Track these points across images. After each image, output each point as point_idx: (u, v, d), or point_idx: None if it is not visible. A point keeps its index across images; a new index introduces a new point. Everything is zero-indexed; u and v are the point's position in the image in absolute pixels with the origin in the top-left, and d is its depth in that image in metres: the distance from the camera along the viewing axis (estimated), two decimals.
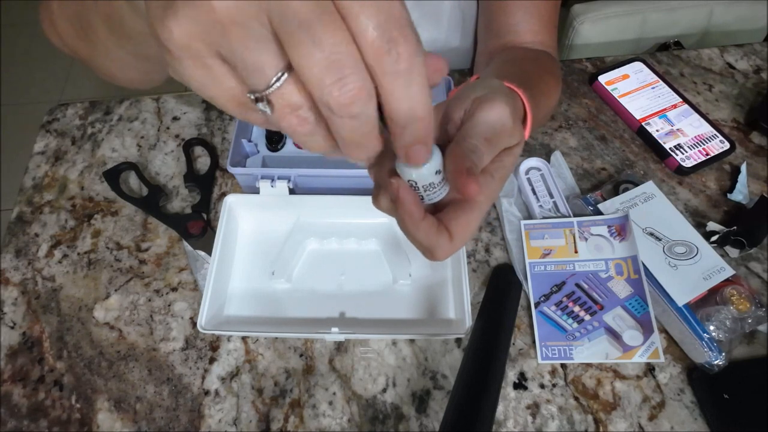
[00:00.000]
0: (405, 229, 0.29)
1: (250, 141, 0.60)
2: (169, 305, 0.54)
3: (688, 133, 0.64)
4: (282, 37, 0.19)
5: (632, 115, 0.66)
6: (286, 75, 0.21)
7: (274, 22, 0.19)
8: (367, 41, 0.19)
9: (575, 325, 0.51)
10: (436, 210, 0.30)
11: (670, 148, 0.63)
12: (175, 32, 0.20)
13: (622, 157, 0.64)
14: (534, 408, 0.48)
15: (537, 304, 0.53)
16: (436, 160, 0.28)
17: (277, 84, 0.21)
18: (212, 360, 0.51)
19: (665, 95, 0.68)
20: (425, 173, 0.28)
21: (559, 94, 0.56)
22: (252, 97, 0.22)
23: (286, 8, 0.19)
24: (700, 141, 0.63)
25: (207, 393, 0.49)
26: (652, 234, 0.55)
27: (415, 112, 0.22)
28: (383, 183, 0.29)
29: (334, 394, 0.49)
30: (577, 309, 0.52)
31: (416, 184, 0.28)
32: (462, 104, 0.31)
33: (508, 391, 0.49)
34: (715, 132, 0.64)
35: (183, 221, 0.58)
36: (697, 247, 0.54)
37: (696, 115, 0.66)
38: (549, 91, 0.51)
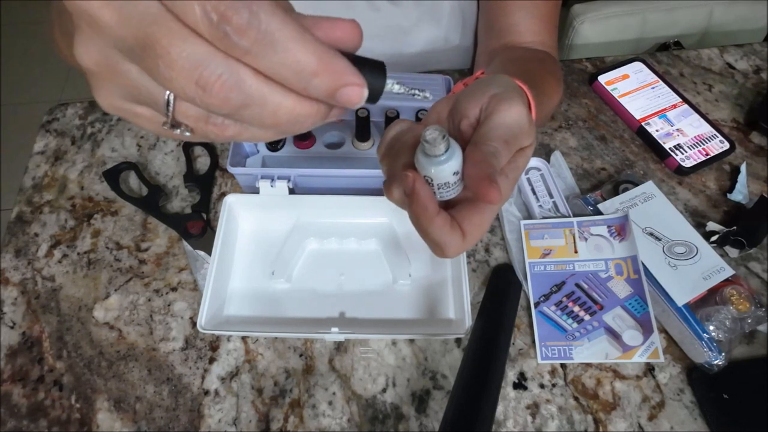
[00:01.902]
0: (418, 223, 0.28)
1: None
2: (168, 305, 0.54)
3: (688, 133, 0.64)
4: (141, 66, 0.19)
5: (632, 115, 0.66)
6: (172, 94, 0.21)
7: (129, 58, 0.19)
8: (204, 31, 0.18)
9: (575, 325, 0.51)
10: (447, 207, 0.30)
11: (669, 148, 0.63)
12: (100, 102, 0.23)
13: (621, 157, 0.64)
14: (534, 408, 0.48)
15: (537, 304, 0.53)
16: (456, 160, 0.27)
17: (170, 107, 0.21)
18: (212, 360, 0.51)
19: (665, 95, 0.68)
20: (444, 171, 0.27)
21: (560, 95, 0.55)
22: (167, 125, 0.22)
23: (122, 42, 0.19)
24: (700, 141, 0.63)
25: (207, 393, 0.49)
26: (651, 234, 0.55)
27: (302, 71, 0.19)
28: (397, 174, 0.29)
29: (334, 394, 0.49)
30: (576, 309, 0.52)
31: (432, 180, 0.28)
32: (477, 101, 0.31)
33: (507, 391, 0.49)
34: (715, 132, 0.64)
35: (183, 221, 0.58)
36: (696, 247, 0.54)
37: (696, 115, 0.66)
38: (551, 92, 0.51)
